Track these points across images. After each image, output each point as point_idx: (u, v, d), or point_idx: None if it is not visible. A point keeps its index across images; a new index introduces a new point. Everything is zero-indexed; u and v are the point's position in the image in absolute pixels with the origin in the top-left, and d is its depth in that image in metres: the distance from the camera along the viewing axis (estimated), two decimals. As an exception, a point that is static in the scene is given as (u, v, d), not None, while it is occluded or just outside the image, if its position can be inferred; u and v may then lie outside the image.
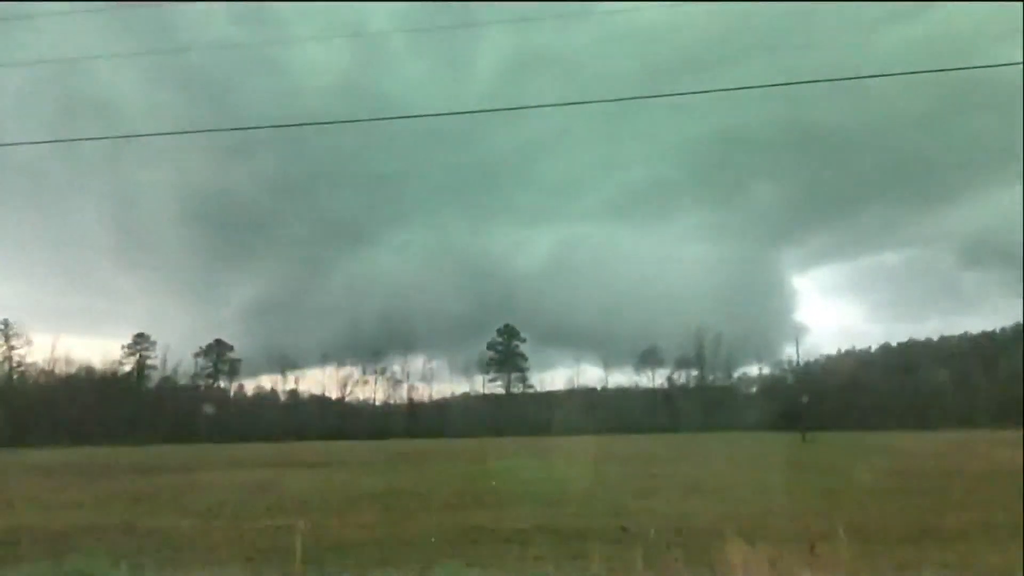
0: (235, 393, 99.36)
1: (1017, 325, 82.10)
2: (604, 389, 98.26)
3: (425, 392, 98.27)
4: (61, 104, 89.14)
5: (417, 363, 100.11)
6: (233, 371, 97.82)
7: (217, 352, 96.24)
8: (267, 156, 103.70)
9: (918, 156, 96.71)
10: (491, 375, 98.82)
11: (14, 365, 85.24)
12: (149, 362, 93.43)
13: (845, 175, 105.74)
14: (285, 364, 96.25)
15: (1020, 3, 14.57)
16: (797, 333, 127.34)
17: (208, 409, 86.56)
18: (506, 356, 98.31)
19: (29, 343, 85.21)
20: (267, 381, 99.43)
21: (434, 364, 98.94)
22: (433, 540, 11.74)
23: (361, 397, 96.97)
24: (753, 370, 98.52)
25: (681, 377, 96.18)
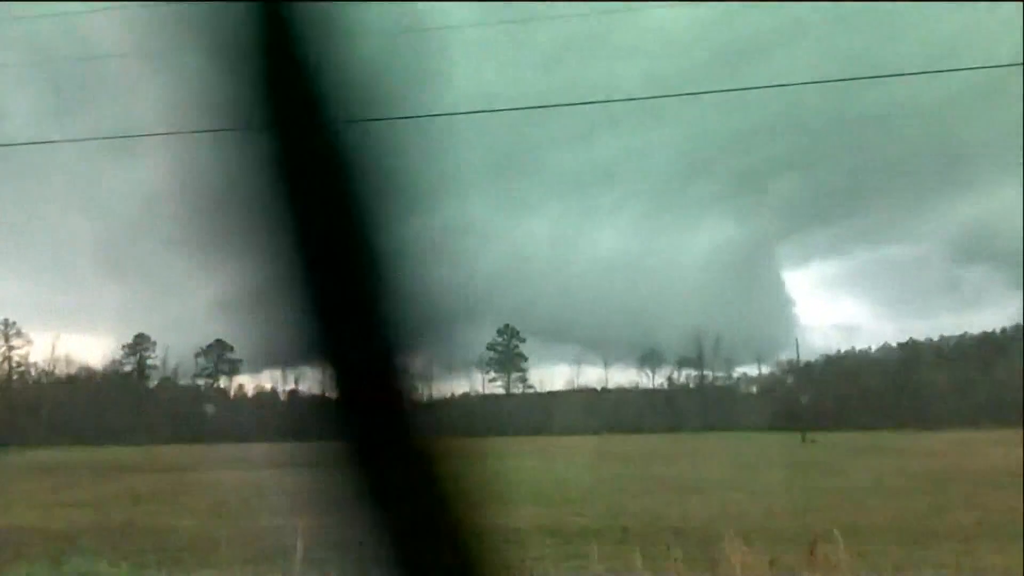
0: (235, 393, 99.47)
1: (1017, 325, 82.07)
2: (604, 389, 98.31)
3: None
4: (65, 101, 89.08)
5: (416, 362, 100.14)
6: (233, 371, 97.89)
7: (217, 352, 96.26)
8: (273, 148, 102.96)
9: (919, 150, 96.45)
10: (491, 375, 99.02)
11: (14, 365, 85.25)
12: (149, 362, 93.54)
13: (845, 171, 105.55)
14: (285, 363, 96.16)
15: (1020, 3, 14.60)
16: (797, 332, 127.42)
17: (208, 409, 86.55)
18: (506, 356, 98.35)
19: (29, 343, 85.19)
20: (267, 381, 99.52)
21: (433, 364, 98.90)
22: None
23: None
24: (753, 370, 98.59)
25: (681, 377, 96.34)
